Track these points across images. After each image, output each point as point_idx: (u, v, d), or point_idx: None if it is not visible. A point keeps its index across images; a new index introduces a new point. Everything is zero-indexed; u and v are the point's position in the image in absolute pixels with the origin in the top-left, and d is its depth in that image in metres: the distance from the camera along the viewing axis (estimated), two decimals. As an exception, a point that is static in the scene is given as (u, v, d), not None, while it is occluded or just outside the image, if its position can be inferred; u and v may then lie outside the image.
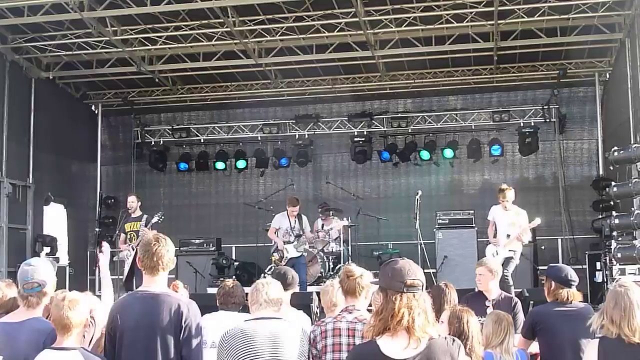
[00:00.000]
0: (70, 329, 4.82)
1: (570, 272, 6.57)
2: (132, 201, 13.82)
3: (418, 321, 3.71)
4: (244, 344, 4.72)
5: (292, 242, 14.18)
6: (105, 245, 6.73)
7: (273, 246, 14.68)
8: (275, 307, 4.96)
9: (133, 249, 13.16)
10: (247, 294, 5.55)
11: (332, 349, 5.24)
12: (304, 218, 14.62)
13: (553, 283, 6.59)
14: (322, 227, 15.58)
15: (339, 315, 5.44)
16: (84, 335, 4.97)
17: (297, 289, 6.71)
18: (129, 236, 13.55)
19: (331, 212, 15.97)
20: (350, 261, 15.51)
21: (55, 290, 5.30)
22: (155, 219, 13.31)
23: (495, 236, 12.35)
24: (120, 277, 13.70)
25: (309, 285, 14.09)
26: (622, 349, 4.72)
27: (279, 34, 15.69)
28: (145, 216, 13.58)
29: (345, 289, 5.57)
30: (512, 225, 12.05)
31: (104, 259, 6.59)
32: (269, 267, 14.58)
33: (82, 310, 4.88)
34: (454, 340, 3.82)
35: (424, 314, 3.75)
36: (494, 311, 6.57)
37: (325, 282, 6.74)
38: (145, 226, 13.24)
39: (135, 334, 4.98)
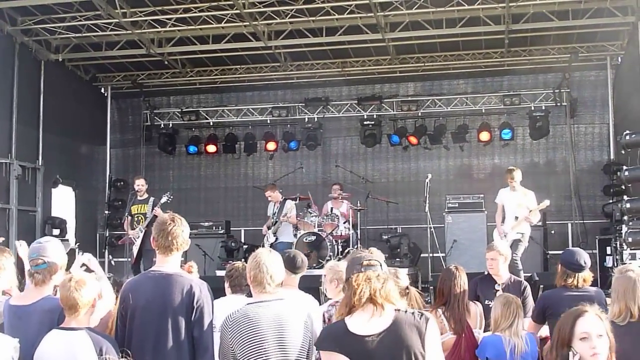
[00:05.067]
0: (77, 309, 4.84)
1: (581, 257, 6.53)
2: (141, 184, 13.92)
3: (380, 290, 3.87)
4: (248, 329, 4.67)
5: (271, 228, 14.65)
6: (83, 258, 6.44)
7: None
8: (278, 287, 4.92)
9: (141, 231, 13.26)
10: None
11: None
12: (287, 203, 14.82)
13: (561, 267, 6.57)
14: (332, 210, 15.55)
15: None
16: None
17: (305, 272, 6.65)
18: (136, 218, 13.64)
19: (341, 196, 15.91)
20: (359, 245, 15.56)
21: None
22: (164, 199, 13.39)
23: (503, 220, 12.31)
24: (129, 259, 13.78)
25: (318, 268, 14.06)
26: (629, 332, 4.71)
27: (288, 16, 15.60)
28: (152, 199, 13.67)
29: None
30: (519, 206, 12.02)
31: (90, 262, 6.37)
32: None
33: (88, 290, 4.89)
34: (421, 314, 3.90)
35: (386, 284, 3.92)
36: (502, 294, 6.56)
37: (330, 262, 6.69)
38: (154, 207, 13.31)
39: (146, 314, 4.98)
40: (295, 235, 15.16)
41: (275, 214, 14.67)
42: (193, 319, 4.96)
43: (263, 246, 14.09)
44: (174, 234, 5.11)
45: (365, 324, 3.81)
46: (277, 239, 14.54)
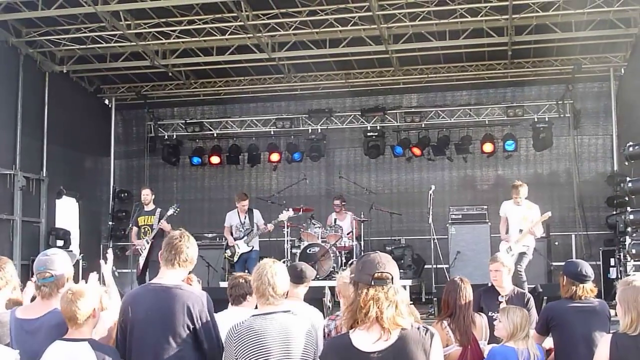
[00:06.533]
0: (77, 320, 4.84)
1: (585, 268, 6.52)
2: (147, 194, 13.88)
3: (387, 313, 3.77)
4: (253, 342, 4.65)
5: (242, 238, 14.47)
6: (109, 253, 6.68)
7: (225, 244, 15.07)
8: (282, 298, 4.91)
9: (148, 243, 13.24)
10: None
11: None
12: (255, 212, 14.83)
13: (566, 278, 6.56)
14: (335, 221, 15.57)
15: None
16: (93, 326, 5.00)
17: (311, 284, 6.62)
18: (142, 230, 13.58)
19: (344, 206, 15.90)
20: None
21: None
22: (170, 211, 13.36)
23: (507, 232, 12.30)
24: (134, 270, 13.78)
25: (322, 279, 14.06)
26: (637, 345, 4.69)
27: (292, 28, 15.68)
28: (159, 210, 13.56)
29: None
30: (524, 219, 12.00)
31: (106, 267, 6.55)
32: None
33: (88, 302, 4.89)
34: (427, 330, 3.84)
35: (393, 306, 3.81)
36: (515, 306, 6.52)
37: (340, 273, 6.64)
38: (160, 219, 13.28)
39: (146, 326, 4.98)
40: (298, 247, 15.17)
41: (245, 223, 14.60)
42: (198, 328, 4.97)
43: (232, 257, 14.44)
44: (178, 249, 5.15)
45: (371, 344, 3.75)
46: (252, 248, 14.50)
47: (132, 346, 4.99)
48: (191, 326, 4.96)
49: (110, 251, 6.83)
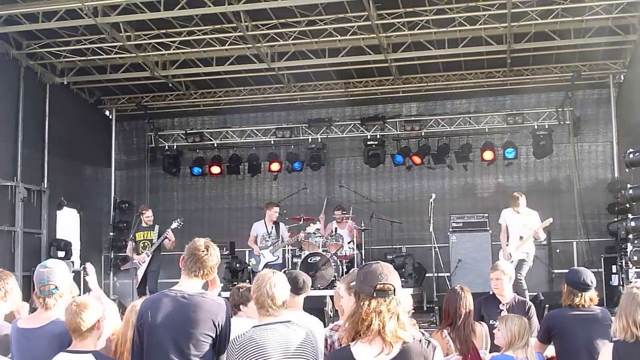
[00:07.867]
0: (81, 332, 4.85)
1: (586, 276, 6.50)
2: (150, 216, 14.14)
3: (389, 326, 3.71)
4: (254, 353, 4.65)
5: (268, 247, 14.56)
6: (89, 267, 6.69)
7: (251, 253, 15.16)
8: (282, 309, 4.91)
9: (148, 256, 13.58)
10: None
11: None
12: (282, 225, 14.96)
13: (567, 286, 6.55)
14: (336, 230, 15.57)
15: None
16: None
17: (309, 293, 6.62)
18: (142, 244, 13.80)
19: (344, 216, 15.89)
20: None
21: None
22: (174, 225, 13.70)
23: (507, 240, 12.29)
24: (132, 280, 13.87)
25: (322, 288, 14.05)
26: (638, 352, 4.69)
27: (291, 38, 15.72)
28: (157, 226, 13.81)
29: None
30: (524, 226, 12.01)
31: (90, 279, 6.55)
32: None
33: (91, 313, 4.90)
34: (429, 342, 3.80)
35: (395, 318, 3.75)
36: (514, 315, 6.52)
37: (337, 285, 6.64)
38: (160, 235, 13.53)
39: (164, 332, 4.93)
40: (299, 256, 15.19)
41: (271, 234, 14.69)
42: (218, 336, 4.96)
43: (256, 266, 14.46)
44: (204, 264, 5.13)
45: (372, 357, 3.70)
46: (277, 258, 14.57)
47: (151, 351, 4.95)
48: (212, 334, 4.94)
49: (89, 265, 6.80)
